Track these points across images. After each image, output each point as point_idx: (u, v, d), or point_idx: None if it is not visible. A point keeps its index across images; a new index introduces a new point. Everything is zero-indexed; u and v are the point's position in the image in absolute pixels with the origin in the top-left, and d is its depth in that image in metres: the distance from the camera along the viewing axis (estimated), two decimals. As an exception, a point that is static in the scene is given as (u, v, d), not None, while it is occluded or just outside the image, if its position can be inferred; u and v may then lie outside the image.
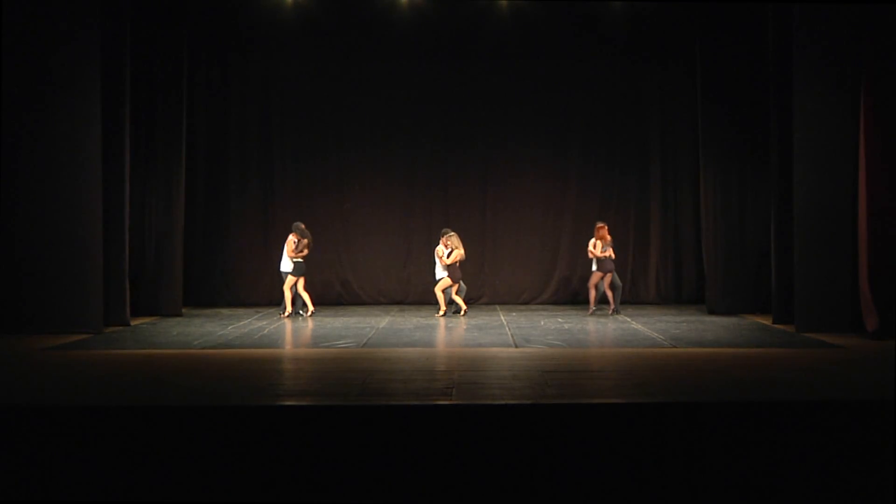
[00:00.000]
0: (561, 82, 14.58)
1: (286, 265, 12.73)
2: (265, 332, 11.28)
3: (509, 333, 11.03)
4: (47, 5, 10.88)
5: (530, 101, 14.64)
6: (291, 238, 12.73)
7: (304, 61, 14.49)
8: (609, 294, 13.05)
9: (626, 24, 14.19)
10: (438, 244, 13.21)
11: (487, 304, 14.66)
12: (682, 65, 14.18)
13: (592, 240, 13.05)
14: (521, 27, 14.25)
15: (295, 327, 11.83)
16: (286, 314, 12.69)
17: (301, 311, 12.86)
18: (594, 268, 13.06)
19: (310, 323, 12.20)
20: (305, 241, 12.72)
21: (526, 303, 14.71)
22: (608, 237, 12.99)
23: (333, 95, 14.55)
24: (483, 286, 14.80)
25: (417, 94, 14.58)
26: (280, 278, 13.00)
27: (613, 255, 13.03)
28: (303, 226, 12.85)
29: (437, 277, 13.07)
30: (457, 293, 13.13)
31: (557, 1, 14.02)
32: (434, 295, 13.15)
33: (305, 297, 12.80)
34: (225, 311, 13.55)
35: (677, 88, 14.43)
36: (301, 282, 12.71)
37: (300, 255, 12.67)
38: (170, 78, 12.95)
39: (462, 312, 13.05)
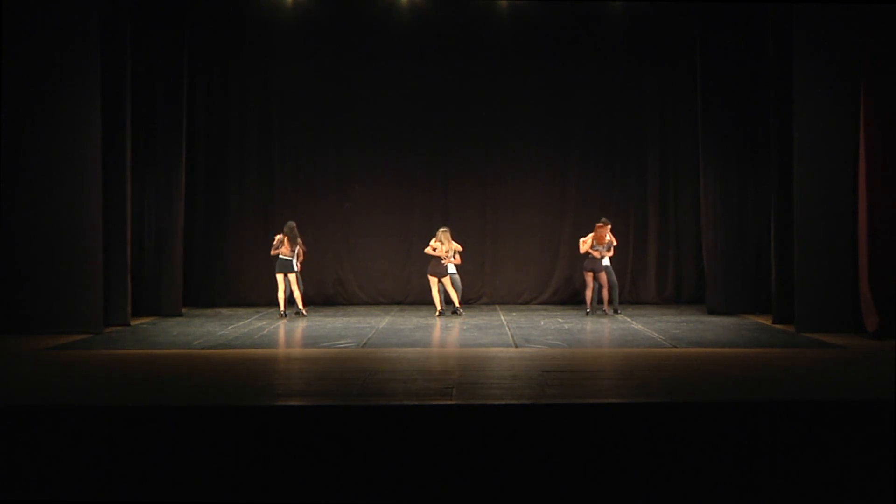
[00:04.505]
0: (561, 82, 14.58)
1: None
2: (265, 332, 11.28)
3: (509, 333, 11.03)
4: (48, 6, 10.88)
5: (530, 101, 14.64)
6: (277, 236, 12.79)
7: (304, 61, 14.49)
8: (604, 294, 13.01)
9: (626, 24, 14.23)
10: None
11: (487, 304, 14.66)
12: (682, 65, 14.18)
13: (589, 235, 13.01)
14: (521, 27, 14.26)
15: (295, 327, 11.83)
16: (302, 312, 12.73)
17: (289, 311, 12.83)
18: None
19: (308, 323, 12.19)
20: (280, 236, 12.70)
21: (526, 303, 14.70)
22: (605, 238, 12.92)
23: (333, 95, 14.55)
24: (483, 286, 14.80)
25: (417, 94, 14.58)
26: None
27: (604, 255, 12.88)
28: (292, 224, 12.78)
29: (449, 272, 13.03)
30: (452, 287, 13.04)
31: (557, 1, 14.03)
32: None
33: (280, 298, 12.78)
34: (225, 311, 13.55)
35: (677, 88, 14.43)
36: (280, 280, 12.69)
37: (276, 251, 12.66)
38: (170, 78, 12.94)
39: (436, 313, 12.97)
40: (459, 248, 13.13)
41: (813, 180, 10.89)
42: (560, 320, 12.43)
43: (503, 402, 6.77)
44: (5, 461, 6.05)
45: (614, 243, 13.08)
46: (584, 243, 12.96)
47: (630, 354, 9.40)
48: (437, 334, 11.30)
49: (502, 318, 12.80)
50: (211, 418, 6.41)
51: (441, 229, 13.05)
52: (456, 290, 13.12)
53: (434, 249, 12.91)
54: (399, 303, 14.67)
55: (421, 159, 14.76)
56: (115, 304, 11.53)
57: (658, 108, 14.64)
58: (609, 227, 13.03)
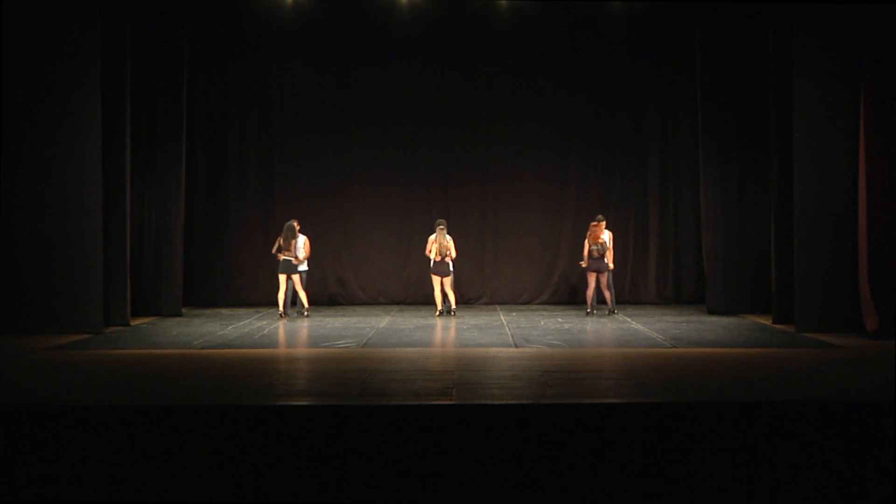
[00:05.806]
0: (561, 82, 14.57)
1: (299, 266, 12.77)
2: (265, 332, 11.28)
3: (509, 333, 11.03)
4: (47, 6, 10.88)
5: (530, 101, 14.63)
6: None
7: (304, 61, 14.49)
8: (606, 294, 12.97)
9: (625, 24, 14.22)
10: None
11: (487, 304, 14.65)
12: (682, 65, 14.17)
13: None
14: (521, 27, 14.26)
15: (295, 327, 11.83)
16: (304, 312, 12.73)
17: (291, 312, 12.82)
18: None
19: (308, 323, 12.19)
20: (279, 238, 12.73)
21: (526, 303, 14.70)
22: (600, 237, 12.83)
23: (333, 95, 14.54)
24: (483, 286, 14.79)
25: (417, 95, 14.57)
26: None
27: (602, 254, 12.75)
28: (288, 223, 12.76)
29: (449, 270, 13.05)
30: (443, 289, 13.03)
31: (557, 1, 14.03)
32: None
33: (280, 298, 12.76)
34: (225, 311, 13.55)
35: (677, 88, 14.42)
36: (283, 281, 12.67)
37: (276, 251, 12.70)
38: (170, 79, 12.93)
39: (437, 312, 12.98)
40: (449, 243, 12.94)
41: (813, 180, 10.90)
42: (560, 320, 12.43)
43: (503, 402, 6.77)
44: (5, 461, 6.05)
45: (607, 246, 12.80)
46: (585, 247, 12.92)
47: (630, 354, 9.40)
48: (437, 334, 11.30)
49: (502, 318, 12.80)
50: (211, 418, 6.41)
51: (438, 226, 13.00)
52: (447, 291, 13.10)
53: (433, 251, 12.92)
54: (399, 303, 14.66)
55: (421, 159, 14.76)
56: (114, 304, 11.54)
57: (658, 108, 14.64)
58: (603, 223, 12.91)
